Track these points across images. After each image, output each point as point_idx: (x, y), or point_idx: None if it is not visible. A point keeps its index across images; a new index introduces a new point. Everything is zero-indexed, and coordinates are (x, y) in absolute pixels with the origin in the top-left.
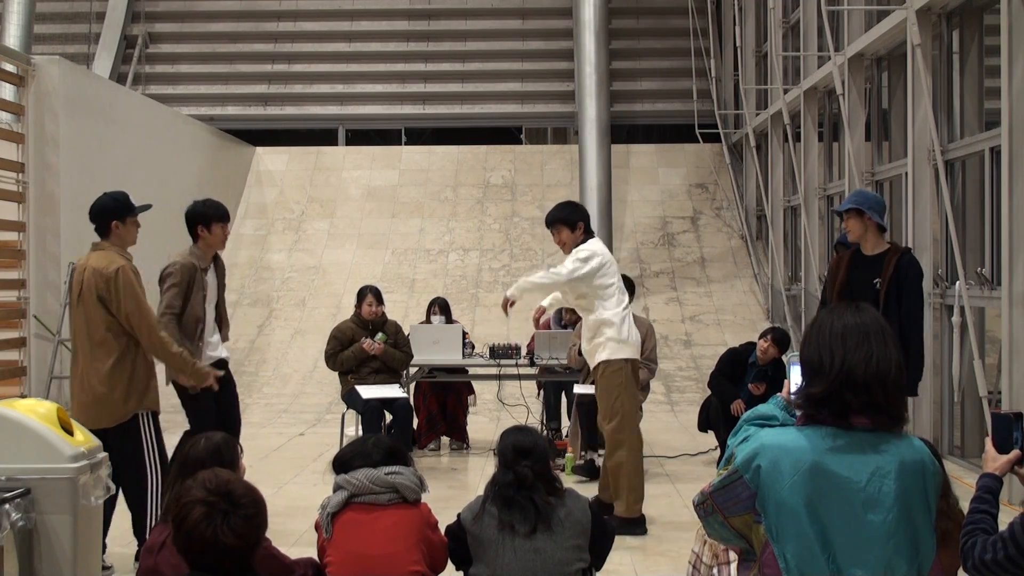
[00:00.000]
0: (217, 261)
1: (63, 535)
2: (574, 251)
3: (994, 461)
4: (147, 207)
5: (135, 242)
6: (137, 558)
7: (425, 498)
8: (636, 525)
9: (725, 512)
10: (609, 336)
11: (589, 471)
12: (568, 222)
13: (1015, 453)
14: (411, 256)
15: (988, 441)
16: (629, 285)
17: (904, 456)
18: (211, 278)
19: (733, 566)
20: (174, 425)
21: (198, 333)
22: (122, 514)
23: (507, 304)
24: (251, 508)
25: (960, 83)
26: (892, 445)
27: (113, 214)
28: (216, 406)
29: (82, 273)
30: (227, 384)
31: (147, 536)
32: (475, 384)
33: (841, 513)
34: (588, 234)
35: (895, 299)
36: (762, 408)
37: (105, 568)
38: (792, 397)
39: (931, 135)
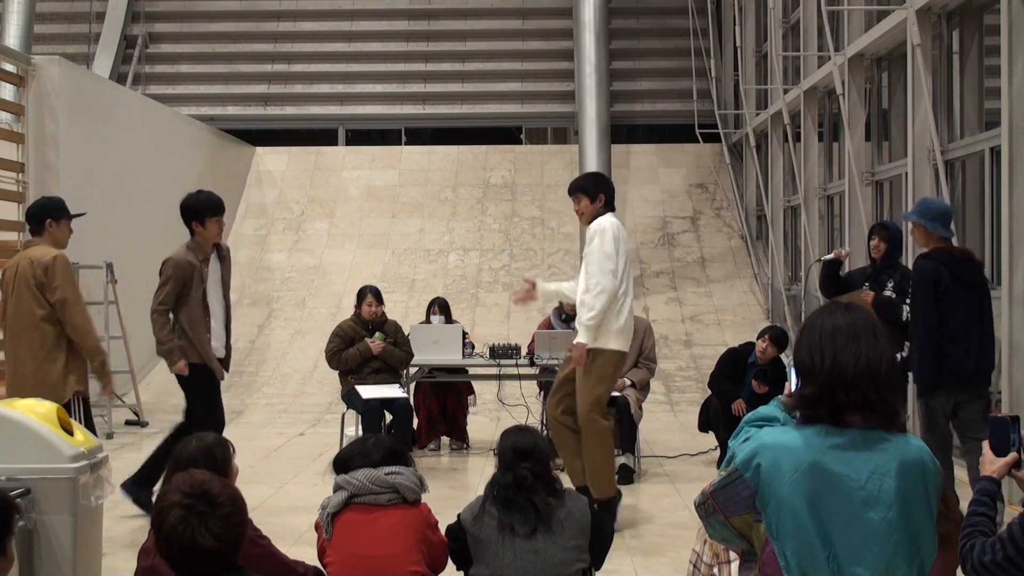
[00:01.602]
0: (220, 250)
1: (63, 535)
2: (591, 236)
3: (992, 464)
4: (81, 214)
5: (66, 245)
6: None
7: (425, 498)
8: (615, 503)
9: (726, 512)
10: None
11: None
12: (588, 191)
13: (1012, 456)
14: (411, 256)
15: (985, 445)
16: None
17: (904, 455)
18: (214, 267)
19: (734, 565)
20: (170, 425)
21: (207, 325)
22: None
23: (529, 292)
24: (228, 507)
25: (960, 83)
26: (891, 444)
27: (48, 212)
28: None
29: (15, 266)
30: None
31: None
32: (475, 384)
33: (841, 511)
34: (609, 208)
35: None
36: (763, 409)
37: None
38: (787, 399)
39: (931, 135)
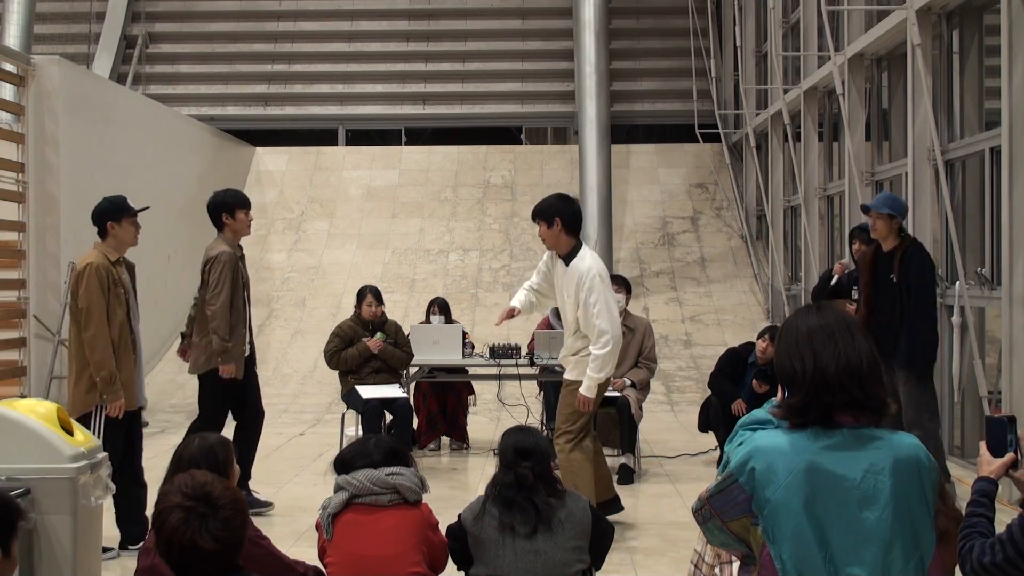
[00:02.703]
0: (239, 250)
1: (63, 535)
2: (582, 282)
3: (989, 465)
4: (145, 208)
5: (134, 242)
6: None
7: (425, 498)
8: (612, 505)
9: (723, 516)
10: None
11: None
12: (544, 215)
13: (1009, 456)
14: (411, 256)
15: (982, 445)
16: (625, 285)
17: (898, 453)
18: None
19: (735, 565)
20: (173, 425)
21: (243, 321)
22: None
23: (509, 315)
24: (229, 510)
25: (960, 83)
26: (884, 442)
27: (108, 216)
28: (236, 401)
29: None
30: (250, 377)
31: None
32: (475, 384)
33: (837, 511)
34: (571, 233)
35: (906, 288)
36: (757, 413)
37: (107, 550)
38: (776, 410)
39: (931, 135)
